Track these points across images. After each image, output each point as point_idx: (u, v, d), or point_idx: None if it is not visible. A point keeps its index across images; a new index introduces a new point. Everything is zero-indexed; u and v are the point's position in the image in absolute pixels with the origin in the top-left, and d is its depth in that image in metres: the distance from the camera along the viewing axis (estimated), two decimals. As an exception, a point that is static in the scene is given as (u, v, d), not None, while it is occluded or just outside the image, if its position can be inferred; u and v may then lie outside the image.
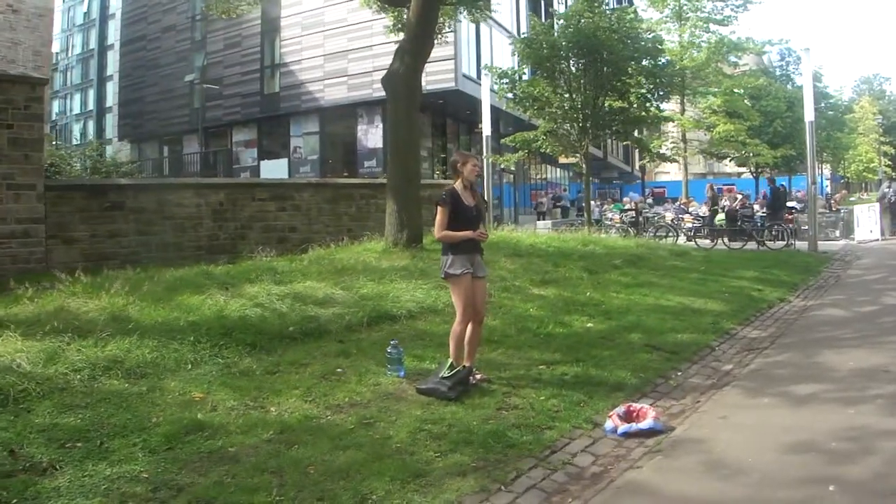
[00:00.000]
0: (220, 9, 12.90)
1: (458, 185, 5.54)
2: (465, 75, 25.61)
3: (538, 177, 38.88)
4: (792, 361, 6.62)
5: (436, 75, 25.99)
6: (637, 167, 50.20)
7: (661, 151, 24.70)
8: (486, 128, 17.81)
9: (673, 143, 32.60)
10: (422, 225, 11.20)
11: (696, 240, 19.03)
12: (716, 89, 30.25)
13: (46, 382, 4.88)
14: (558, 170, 41.93)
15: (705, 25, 29.20)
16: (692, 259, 13.92)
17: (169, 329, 6.16)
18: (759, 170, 39.83)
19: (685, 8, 29.35)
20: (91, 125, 48.69)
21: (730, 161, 43.75)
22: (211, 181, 16.27)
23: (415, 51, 11.27)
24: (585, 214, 18.58)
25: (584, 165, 18.00)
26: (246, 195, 13.63)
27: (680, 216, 22.38)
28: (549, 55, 17.04)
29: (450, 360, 5.50)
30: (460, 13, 15.06)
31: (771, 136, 36.95)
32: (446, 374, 5.31)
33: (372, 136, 27.81)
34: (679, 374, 6.25)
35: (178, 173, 32.53)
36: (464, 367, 5.43)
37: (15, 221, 10.68)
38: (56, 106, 60.09)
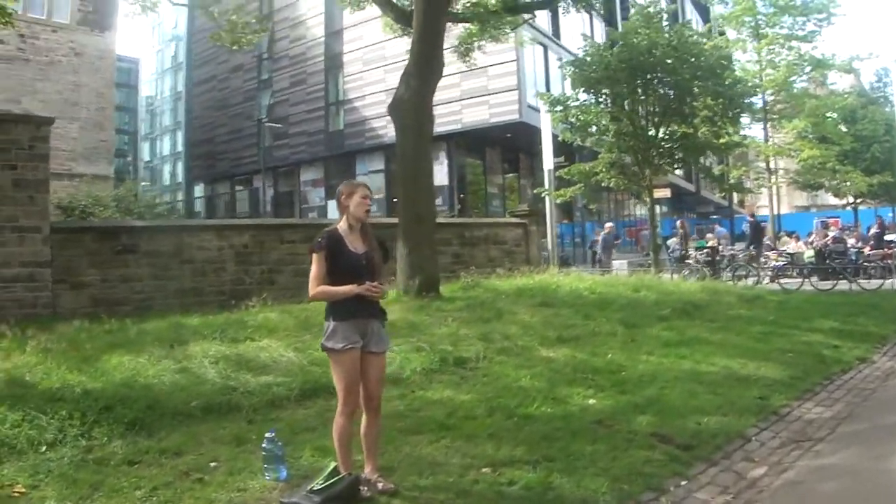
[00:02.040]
0: (228, 40, 12.54)
1: (342, 224, 4.37)
2: (530, 106, 24.49)
3: (626, 214, 36.80)
4: (851, 467, 4.94)
5: (499, 107, 25.31)
6: (736, 201, 46.85)
7: (740, 182, 22.49)
8: (547, 160, 16.61)
9: (757, 173, 29.79)
10: (437, 270, 10.22)
11: (780, 281, 17.12)
12: (801, 112, 27.52)
13: None
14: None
15: (786, 42, 27.04)
16: (763, 306, 12.00)
17: (55, 398, 5.50)
18: (858, 200, 36.87)
19: (762, 24, 27.53)
20: (180, 166, 51.26)
21: (825, 191, 39.96)
22: (234, 222, 15.96)
23: (420, 73, 10.35)
24: (652, 254, 16.81)
25: (649, 199, 16.32)
26: (273, 237, 13.12)
27: (765, 254, 20.12)
28: (600, 77, 15.60)
29: (332, 464, 4.31)
30: (504, 32, 14.03)
31: (868, 162, 33.65)
32: (318, 485, 4.11)
33: (437, 172, 27.01)
34: (681, 485, 4.67)
35: (250, 214, 33.16)
36: (348, 474, 4.21)
37: (19, 265, 10.53)
38: (147, 148, 64.29)
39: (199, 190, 42.23)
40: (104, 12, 20.66)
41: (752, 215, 20.95)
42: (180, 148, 50.26)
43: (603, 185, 17.33)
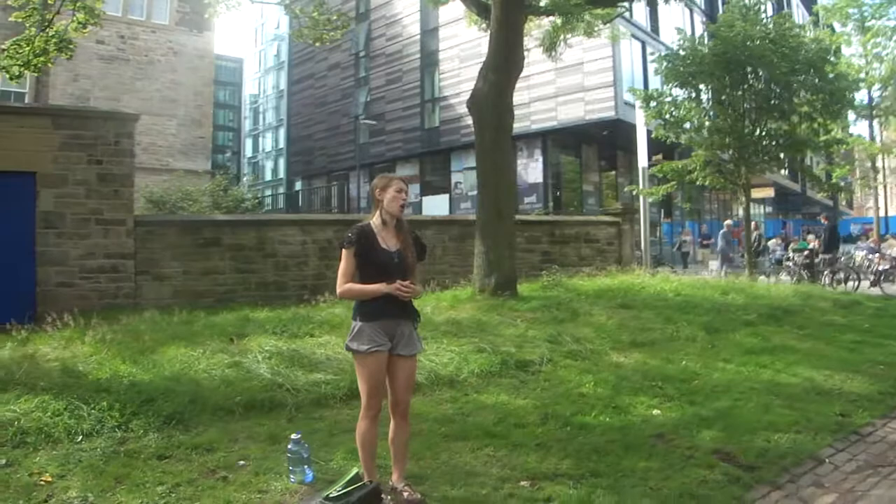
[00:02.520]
0: (312, 37, 12.61)
1: (374, 219, 4.12)
2: (626, 103, 23.70)
3: (733, 214, 34.86)
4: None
5: (595, 104, 24.81)
6: (843, 202, 43.61)
7: (841, 182, 20.95)
8: (642, 158, 15.88)
9: (863, 172, 27.65)
10: (515, 269, 9.93)
11: (882, 285, 15.89)
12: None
13: None
14: (754, 205, 37.51)
15: (893, 35, 25.11)
16: (860, 312, 10.98)
17: (102, 389, 5.56)
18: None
19: (868, 16, 25.66)
20: (281, 162, 53.05)
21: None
22: (317, 217, 16.16)
23: (499, 67, 10.04)
24: (746, 256, 15.78)
25: (743, 198, 15.33)
26: None
27: (870, 257, 18.50)
28: (693, 72, 14.80)
29: (354, 470, 4.07)
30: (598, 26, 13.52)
31: None
32: (336, 492, 3.88)
33: (532, 170, 26.84)
34: (741, 511, 4.15)
35: (345, 210, 33.80)
36: (368, 482, 3.96)
37: (103, 256, 10.99)
38: (250, 144, 66.81)
39: (298, 185, 43.61)
40: (202, 13, 21.57)
41: (827, 218, 20.15)
42: (282, 144, 52.09)
43: (697, 183, 16.44)
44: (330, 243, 12.75)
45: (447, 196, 30.47)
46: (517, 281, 9.96)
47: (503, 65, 10.15)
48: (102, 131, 10.98)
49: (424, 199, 31.37)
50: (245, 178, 48.17)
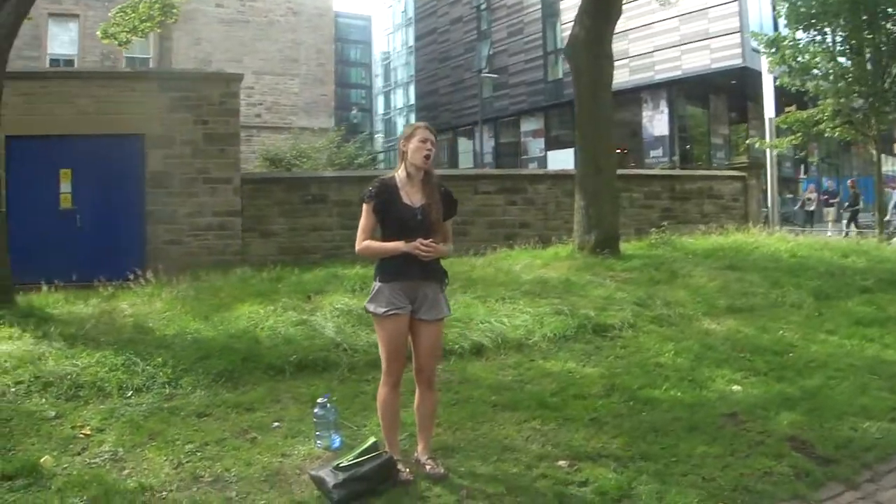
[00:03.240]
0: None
1: (399, 172, 3.83)
2: (755, 50, 21.69)
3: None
4: None
5: (721, 52, 23.30)
6: None
7: None
8: (768, 108, 14.56)
9: None
10: (617, 226, 9.39)
11: None
12: None
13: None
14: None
15: None
16: None
17: (164, 345, 5.74)
18: None
19: None
20: (413, 118, 53.61)
21: None
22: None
23: (595, 10, 9.37)
24: (877, 215, 14.08)
25: (874, 151, 13.65)
26: (467, 187, 13.14)
27: None
28: (817, 12, 13.47)
29: (372, 439, 3.88)
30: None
31: None
32: (347, 461, 3.70)
33: (658, 122, 25.38)
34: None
35: (473, 165, 33.68)
36: (382, 453, 3.75)
37: (211, 214, 11.47)
38: (381, 102, 67.87)
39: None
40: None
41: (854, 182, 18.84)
42: (413, 101, 52.69)
43: (826, 135, 14.88)
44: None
45: (573, 150, 29.47)
46: (619, 238, 9.39)
47: (601, 8, 9.45)
48: (207, 92, 11.36)
49: (549, 153, 30.61)
50: (378, 135, 49.27)
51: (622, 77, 26.34)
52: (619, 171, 11.67)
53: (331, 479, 3.62)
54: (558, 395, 4.96)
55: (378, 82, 71.59)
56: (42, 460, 4.02)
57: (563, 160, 28.96)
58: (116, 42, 10.86)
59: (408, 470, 3.79)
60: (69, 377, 5.04)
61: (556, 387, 5.12)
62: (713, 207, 14.48)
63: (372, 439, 3.98)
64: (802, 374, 5.35)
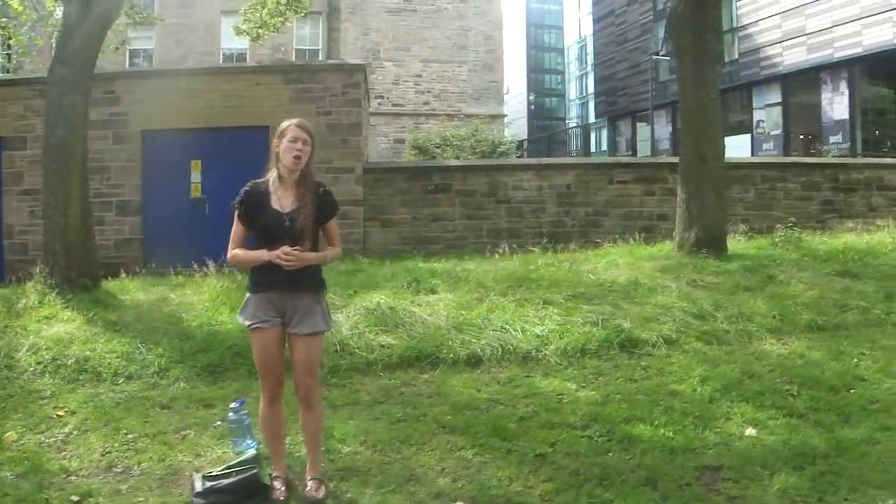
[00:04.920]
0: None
1: (272, 174, 3.73)
2: None
3: None
4: None
5: (872, 27, 20.18)
6: None
7: None
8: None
9: None
10: (722, 222, 8.48)
11: None
12: None
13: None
14: None
15: None
16: None
17: (181, 336, 6.12)
18: None
19: None
20: (592, 106, 51.85)
21: None
22: (556, 161, 15.38)
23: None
24: None
25: None
26: (601, 177, 12.59)
27: None
28: None
29: (252, 452, 3.87)
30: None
31: None
32: (217, 472, 3.77)
33: (837, 105, 22.21)
34: None
35: (651, 152, 31.92)
36: (248, 468, 3.74)
37: (333, 203, 11.96)
38: (575, 87, 66.16)
39: (605, 126, 42.79)
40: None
41: None
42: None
43: None
44: (569, 188, 12.37)
45: (749, 136, 26.93)
46: (725, 236, 8.42)
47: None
48: (330, 83, 11.85)
49: (726, 139, 28.10)
50: (570, 121, 48.36)
51: (798, 56, 24.27)
52: (774, 159, 10.42)
53: (197, 487, 3.69)
54: (525, 422, 4.56)
55: (573, 67, 70.59)
56: (6, 435, 4.55)
57: (737, 146, 26.73)
58: (249, 37, 11.70)
59: (283, 488, 3.72)
60: (79, 361, 5.60)
61: (529, 411, 4.72)
62: (884, 200, 12.40)
63: (252, 452, 4.00)
64: (850, 421, 4.40)
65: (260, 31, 11.58)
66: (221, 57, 19.70)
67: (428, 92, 22.06)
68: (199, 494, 3.63)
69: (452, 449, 4.26)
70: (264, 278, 3.61)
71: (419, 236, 12.16)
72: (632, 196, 12.45)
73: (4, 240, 10.87)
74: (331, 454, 4.20)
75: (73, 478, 4.02)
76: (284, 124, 3.71)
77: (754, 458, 3.95)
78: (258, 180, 3.76)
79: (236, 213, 3.70)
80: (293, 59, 19.88)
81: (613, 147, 39.79)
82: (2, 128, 9.65)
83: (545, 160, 17.07)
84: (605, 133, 44.15)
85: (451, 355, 5.62)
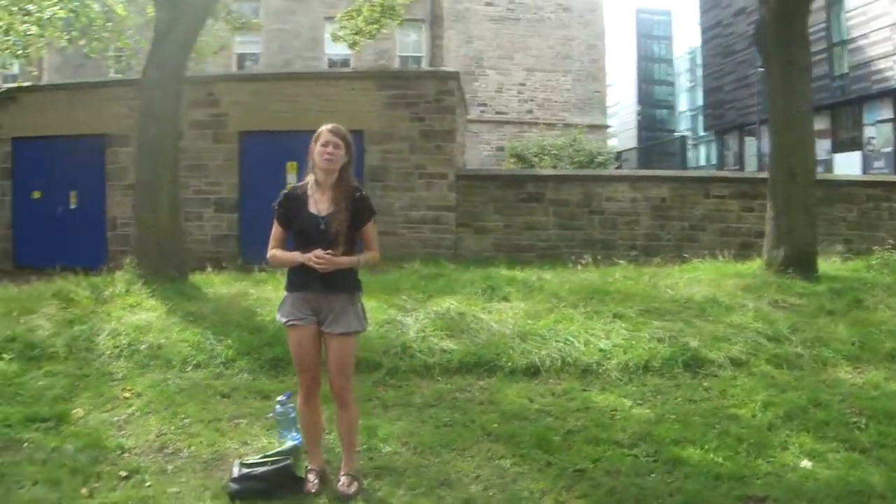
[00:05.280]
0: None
1: (309, 179, 3.83)
2: None
3: None
4: None
5: None
6: None
7: None
8: None
9: None
10: (812, 240, 8.12)
11: None
12: None
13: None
14: None
15: None
16: None
17: (253, 329, 6.34)
18: None
19: None
20: (701, 118, 49.90)
21: None
22: (651, 173, 14.88)
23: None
24: None
25: None
26: (697, 191, 12.32)
27: None
28: None
29: (291, 443, 3.99)
30: None
31: None
32: (254, 460, 3.91)
33: None
34: None
35: (758, 167, 30.46)
36: (283, 458, 3.85)
37: (425, 208, 12.24)
38: (685, 99, 64.00)
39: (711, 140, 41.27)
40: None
41: None
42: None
43: None
44: (664, 202, 12.16)
45: (859, 153, 25.27)
46: (815, 255, 7.96)
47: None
48: (424, 90, 12.05)
49: (836, 156, 26.46)
50: (684, 133, 46.94)
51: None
52: (880, 178, 9.72)
53: (234, 472, 3.84)
54: (572, 436, 4.47)
55: (683, 79, 68.62)
56: (74, 411, 4.89)
57: (847, 163, 25.08)
58: (346, 44, 12.06)
59: (316, 481, 3.81)
60: (152, 347, 5.93)
61: (578, 425, 4.62)
62: None
63: (292, 444, 4.10)
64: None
65: (356, 38, 11.89)
66: (326, 62, 20.37)
67: (531, 100, 22.00)
68: (234, 479, 3.78)
69: (492, 457, 4.23)
70: (299, 279, 3.72)
71: (512, 244, 12.19)
72: (729, 211, 12.07)
73: (108, 231, 11.68)
74: (371, 452, 4.28)
75: (127, 455, 4.26)
76: (320, 129, 3.80)
77: (804, 493, 3.71)
78: (297, 184, 3.88)
79: (275, 215, 3.83)
80: (396, 66, 20.30)
81: (721, 161, 38.47)
82: (108, 126, 10.39)
83: (640, 172, 16.71)
84: (713, 147, 42.79)
85: (510, 364, 5.59)
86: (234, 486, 3.75)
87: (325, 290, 3.68)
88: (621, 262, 9.09)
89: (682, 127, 63.00)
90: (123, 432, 4.61)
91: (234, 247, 11.81)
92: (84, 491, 3.77)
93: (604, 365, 5.53)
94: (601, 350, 5.69)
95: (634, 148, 42.42)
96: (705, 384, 5.23)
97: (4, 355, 5.72)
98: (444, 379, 5.54)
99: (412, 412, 4.93)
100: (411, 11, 21.30)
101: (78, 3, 9.81)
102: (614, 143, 38.69)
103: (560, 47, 22.17)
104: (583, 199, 12.23)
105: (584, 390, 5.21)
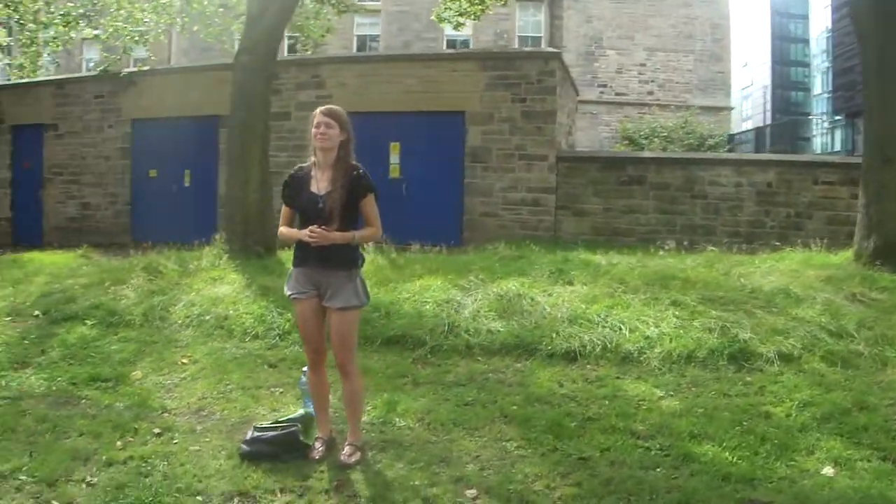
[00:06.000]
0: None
1: (312, 160, 4.04)
2: None
3: None
4: None
5: None
6: None
7: None
8: None
9: None
10: None
11: None
12: None
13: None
14: None
15: None
16: None
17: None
18: None
19: None
20: (827, 101, 45.43)
21: None
22: (756, 157, 13.98)
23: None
24: None
25: None
26: (805, 176, 11.73)
27: None
28: None
29: (302, 411, 4.26)
30: None
31: None
32: (265, 424, 4.22)
33: None
34: None
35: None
36: (290, 424, 4.14)
37: (525, 190, 12.32)
38: (820, 81, 58.77)
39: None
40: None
41: None
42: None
43: None
44: (770, 187, 11.58)
45: None
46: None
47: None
48: (525, 70, 12.04)
49: None
50: (815, 118, 43.49)
51: None
52: None
53: (247, 435, 4.16)
54: (589, 423, 4.44)
55: (818, 60, 63.09)
56: (133, 373, 5.43)
57: None
58: (451, 25, 12.23)
59: (322, 448, 4.06)
60: (218, 318, 6.43)
61: (599, 412, 4.58)
62: None
63: (302, 411, 4.37)
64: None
65: (460, 19, 12.03)
66: (444, 43, 20.65)
67: (652, 81, 21.35)
68: (246, 441, 4.08)
69: (500, 438, 4.30)
70: (300, 254, 3.96)
71: (611, 228, 12.03)
72: (838, 198, 11.27)
73: (221, 208, 12.54)
74: (385, 426, 4.47)
75: (166, 415, 4.70)
76: (314, 112, 4.00)
77: (813, 501, 3.53)
78: (303, 164, 4.11)
79: (281, 195, 4.09)
80: (516, 45, 20.31)
81: (852, 145, 35.37)
82: (220, 107, 11.09)
83: (746, 156, 15.84)
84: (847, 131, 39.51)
85: (550, 347, 5.59)
86: (245, 447, 4.06)
87: (321, 265, 3.88)
88: (713, 248, 8.76)
89: (818, 110, 58.46)
90: (171, 394, 5.07)
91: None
92: (119, 444, 4.20)
93: (646, 353, 5.41)
94: (646, 337, 5.56)
95: (750, 130, 39.89)
96: (747, 378, 5.00)
97: (88, 321, 6.42)
98: (484, 359, 5.63)
99: (439, 390, 5.06)
100: (531, -9, 21.31)
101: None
102: (748, 126, 36.48)
103: (682, 26, 21.35)
104: (684, 183, 11.85)
105: (617, 378, 5.14)
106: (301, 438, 4.13)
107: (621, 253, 8.80)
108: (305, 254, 3.91)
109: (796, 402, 4.56)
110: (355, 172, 3.93)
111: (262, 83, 8.33)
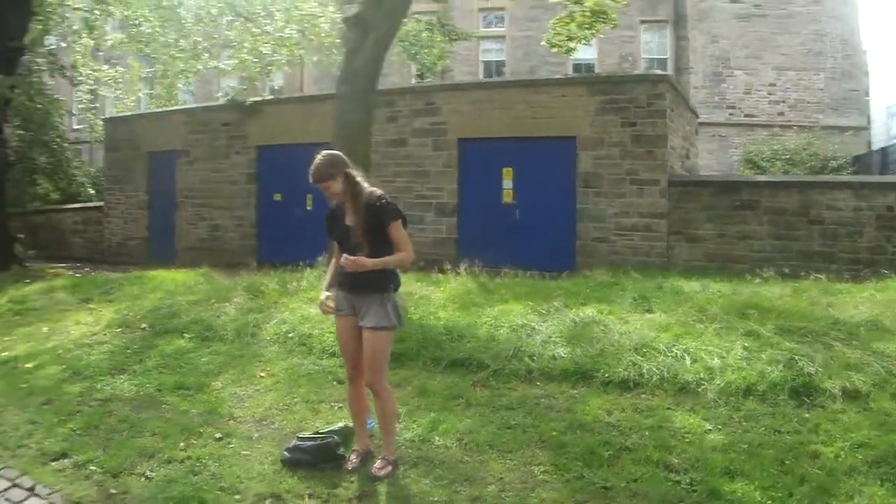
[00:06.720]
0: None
1: None
2: None
3: None
4: None
5: None
6: None
7: None
8: None
9: None
10: None
11: None
12: None
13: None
14: None
15: None
16: None
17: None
18: None
19: None
20: None
21: None
22: (876, 180, 12.90)
23: None
24: None
25: None
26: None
27: None
28: None
29: (342, 423, 4.61)
30: None
31: None
32: (307, 434, 4.60)
33: None
34: None
35: None
36: (328, 435, 4.49)
37: (637, 215, 12.24)
38: None
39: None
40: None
41: None
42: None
43: None
44: (891, 210, 10.91)
45: None
46: None
47: None
48: (635, 94, 11.94)
49: None
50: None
51: None
52: None
53: (290, 444, 4.56)
54: (624, 453, 4.45)
55: None
56: (213, 384, 5.99)
57: None
58: (562, 50, 12.37)
59: (356, 460, 4.39)
60: (302, 336, 6.87)
61: (638, 443, 4.58)
62: None
63: (342, 424, 4.68)
64: None
65: (570, 44, 12.14)
66: (571, 68, 20.69)
67: (782, 102, 20.30)
68: (288, 450, 4.48)
69: (530, 462, 4.42)
70: (339, 279, 4.37)
71: (723, 254, 11.69)
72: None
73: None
74: (424, 444, 4.71)
75: (231, 422, 5.17)
76: None
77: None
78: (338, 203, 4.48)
79: (326, 228, 4.54)
80: (641, 68, 20.04)
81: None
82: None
83: (865, 178, 14.72)
84: None
85: (607, 375, 5.62)
86: (286, 455, 4.44)
87: (352, 289, 4.28)
88: (818, 275, 8.39)
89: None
90: (241, 403, 5.54)
91: (453, 249, 12.59)
92: (182, 444, 4.72)
93: (704, 384, 5.30)
94: (708, 368, 5.44)
95: (876, 151, 36.73)
96: (805, 415, 4.80)
97: (186, 334, 7.11)
98: (542, 384, 5.71)
99: (487, 412, 5.22)
100: (655, 12, 20.96)
101: (308, 25, 11.34)
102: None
103: (812, 44, 20.26)
104: (800, 208, 11.31)
105: (668, 409, 5.09)
106: (340, 450, 4.47)
107: (719, 281, 8.56)
108: (343, 278, 4.29)
109: (850, 443, 4.35)
110: (377, 203, 4.25)
111: (363, 112, 8.77)
